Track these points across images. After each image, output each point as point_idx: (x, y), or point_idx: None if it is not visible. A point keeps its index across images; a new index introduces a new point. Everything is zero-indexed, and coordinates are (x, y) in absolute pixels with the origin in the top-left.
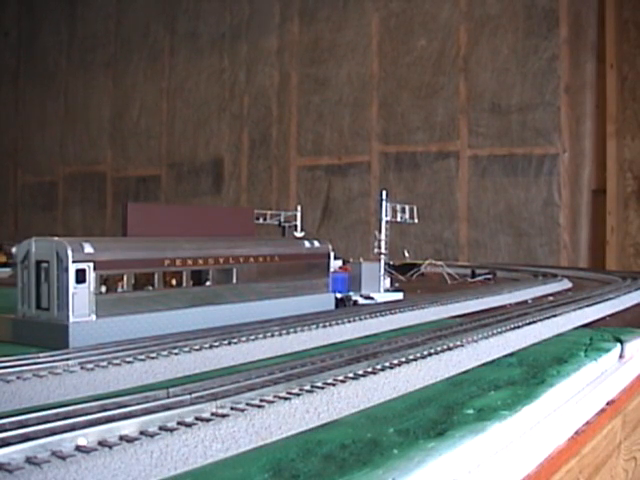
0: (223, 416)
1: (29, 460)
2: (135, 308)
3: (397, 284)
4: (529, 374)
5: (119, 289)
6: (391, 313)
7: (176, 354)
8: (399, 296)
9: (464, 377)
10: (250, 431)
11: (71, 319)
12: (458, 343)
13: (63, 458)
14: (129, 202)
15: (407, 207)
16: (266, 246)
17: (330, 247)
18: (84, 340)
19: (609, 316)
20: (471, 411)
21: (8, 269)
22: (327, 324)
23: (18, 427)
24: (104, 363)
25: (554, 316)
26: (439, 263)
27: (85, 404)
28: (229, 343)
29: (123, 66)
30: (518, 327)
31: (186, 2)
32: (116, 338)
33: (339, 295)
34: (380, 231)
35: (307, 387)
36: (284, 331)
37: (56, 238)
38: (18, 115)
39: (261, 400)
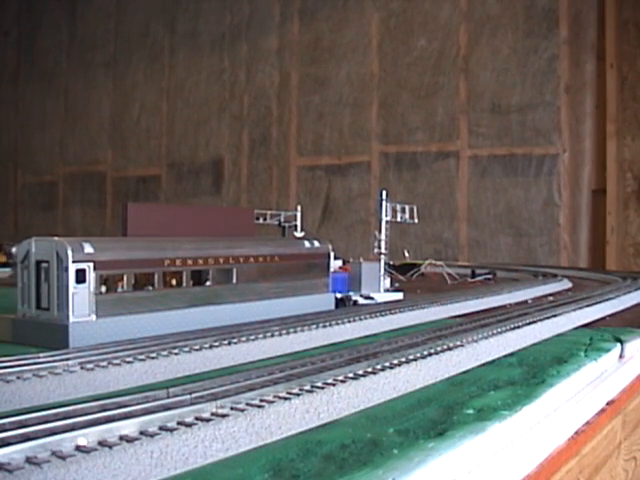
0: (223, 416)
1: (29, 460)
2: (135, 308)
3: (397, 284)
4: (529, 374)
5: (119, 289)
6: (391, 313)
7: (176, 354)
8: (399, 296)
9: (464, 377)
10: (250, 431)
11: (71, 319)
12: (458, 343)
13: (63, 458)
14: (129, 202)
15: (407, 207)
16: (266, 246)
17: (330, 247)
18: (84, 340)
19: (609, 316)
20: (471, 411)
21: (8, 269)
22: (327, 324)
23: (18, 427)
24: (104, 363)
25: (554, 316)
26: (439, 263)
27: (85, 404)
28: (229, 343)
29: (123, 66)
30: (518, 327)
31: (186, 2)
32: (116, 338)
33: (339, 295)
34: (380, 231)
35: (307, 387)
36: (284, 331)
37: (56, 238)
38: (18, 115)
39: (261, 400)
